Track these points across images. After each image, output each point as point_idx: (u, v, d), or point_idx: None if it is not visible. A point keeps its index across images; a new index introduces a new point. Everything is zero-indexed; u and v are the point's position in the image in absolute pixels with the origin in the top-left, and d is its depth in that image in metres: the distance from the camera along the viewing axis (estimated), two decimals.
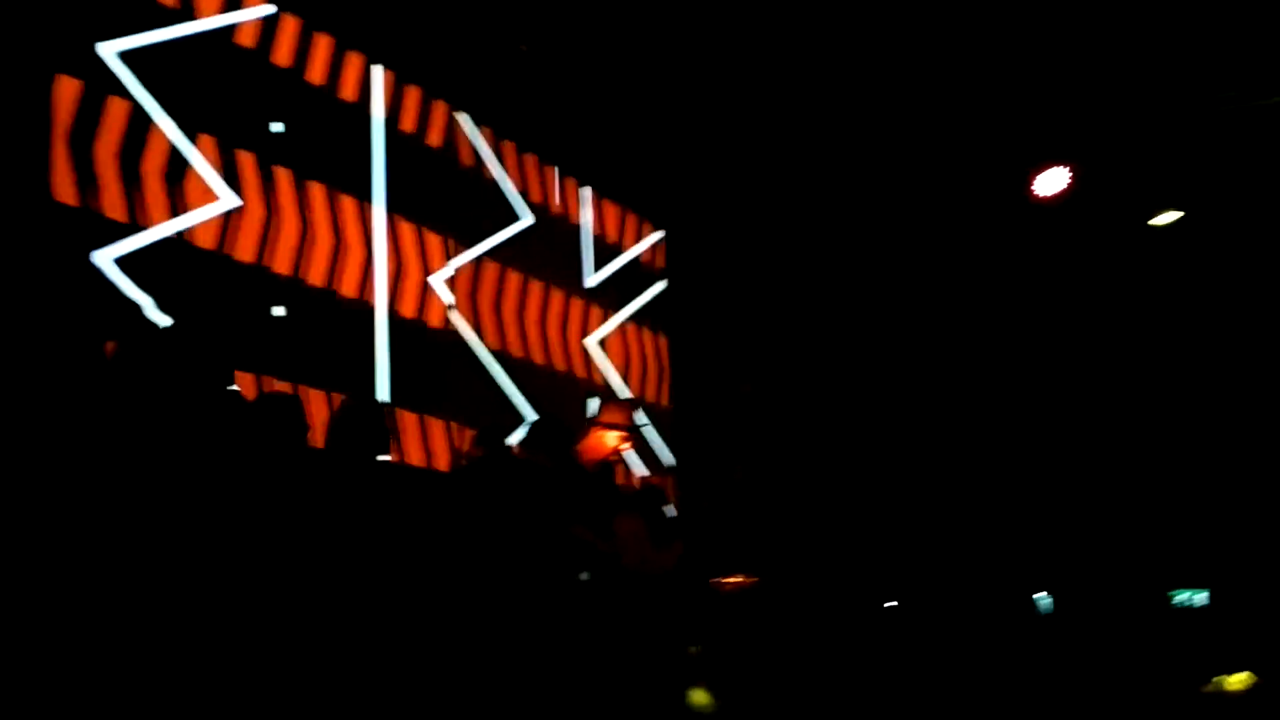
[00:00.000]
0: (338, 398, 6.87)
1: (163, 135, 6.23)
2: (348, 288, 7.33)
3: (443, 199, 8.23)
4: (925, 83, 9.80)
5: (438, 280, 8.03)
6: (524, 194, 9.03)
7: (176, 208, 6.28)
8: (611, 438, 6.38)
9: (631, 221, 10.40)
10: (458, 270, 8.24)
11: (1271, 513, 10.28)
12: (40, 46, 5.67)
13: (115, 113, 6.03)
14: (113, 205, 5.97)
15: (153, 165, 6.18)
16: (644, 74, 9.54)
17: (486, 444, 6.26)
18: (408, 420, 7.55)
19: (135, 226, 6.06)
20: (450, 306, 8.05)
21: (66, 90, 5.79)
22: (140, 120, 6.15)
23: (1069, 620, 10.09)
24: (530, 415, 8.57)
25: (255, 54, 6.91)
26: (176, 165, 6.31)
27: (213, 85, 6.59)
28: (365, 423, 5.23)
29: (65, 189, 5.72)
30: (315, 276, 7.09)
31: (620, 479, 6.75)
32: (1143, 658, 9.16)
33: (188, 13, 6.51)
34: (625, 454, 6.62)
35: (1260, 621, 9.51)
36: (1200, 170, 10.37)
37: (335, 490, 4.98)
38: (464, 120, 8.53)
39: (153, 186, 6.16)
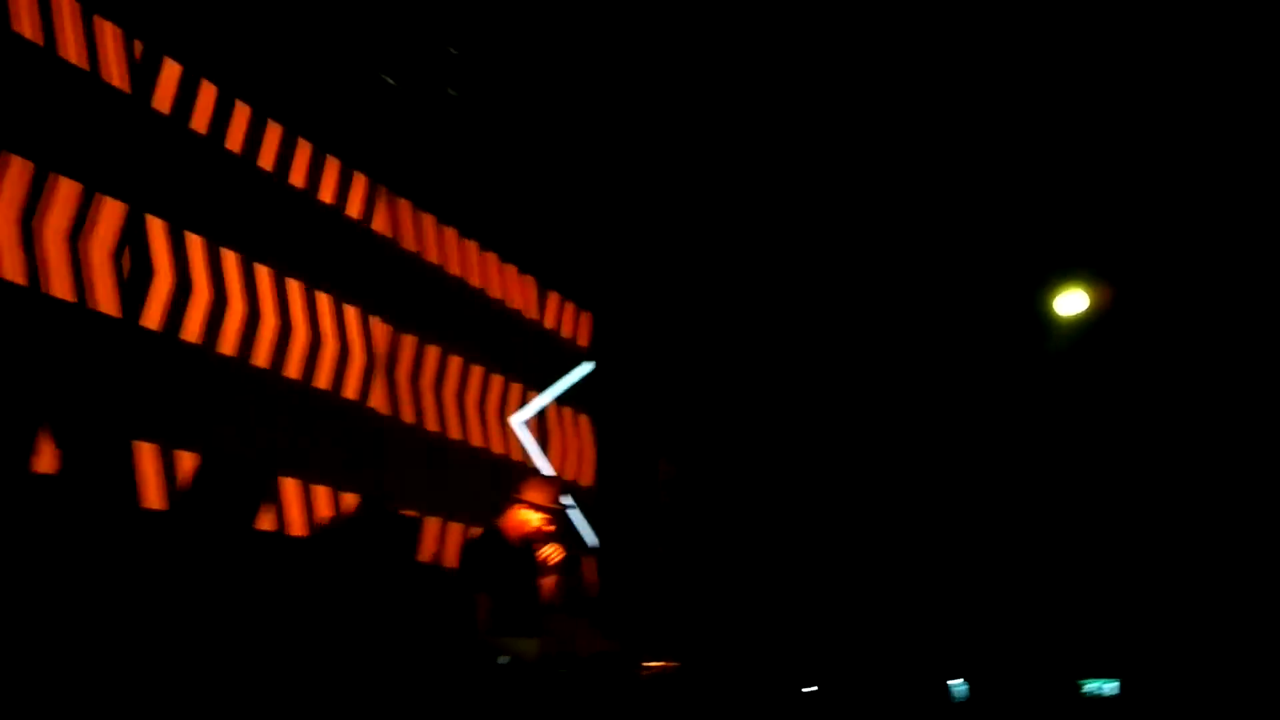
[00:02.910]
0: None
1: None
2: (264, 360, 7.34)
3: (372, 273, 8.28)
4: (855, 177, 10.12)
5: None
6: (460, 276, 9.10)
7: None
8: (535, 518, 6.39)
9: (558, 301, 10.49)
10: (388, 345, 8.27)
11: (1183, 603, 10.50)
12: None
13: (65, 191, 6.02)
14: (60, 285, 5.94)
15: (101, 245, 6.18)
16: (578, 156, 9.66)
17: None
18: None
19: (82, 306, 6.04)
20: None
21: (17, 169, 5.76)
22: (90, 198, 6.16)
23: (983, 708, 10.19)
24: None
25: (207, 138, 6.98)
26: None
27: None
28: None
29: (13, 268, 5.69)
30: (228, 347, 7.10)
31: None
32: None
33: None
34: (548, 533, 6.60)
35: (1169, 710, 9.68)
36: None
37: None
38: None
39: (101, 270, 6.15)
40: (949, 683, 10.42)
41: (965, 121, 9.59)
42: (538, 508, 6.40)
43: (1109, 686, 10.47)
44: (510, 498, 6.52)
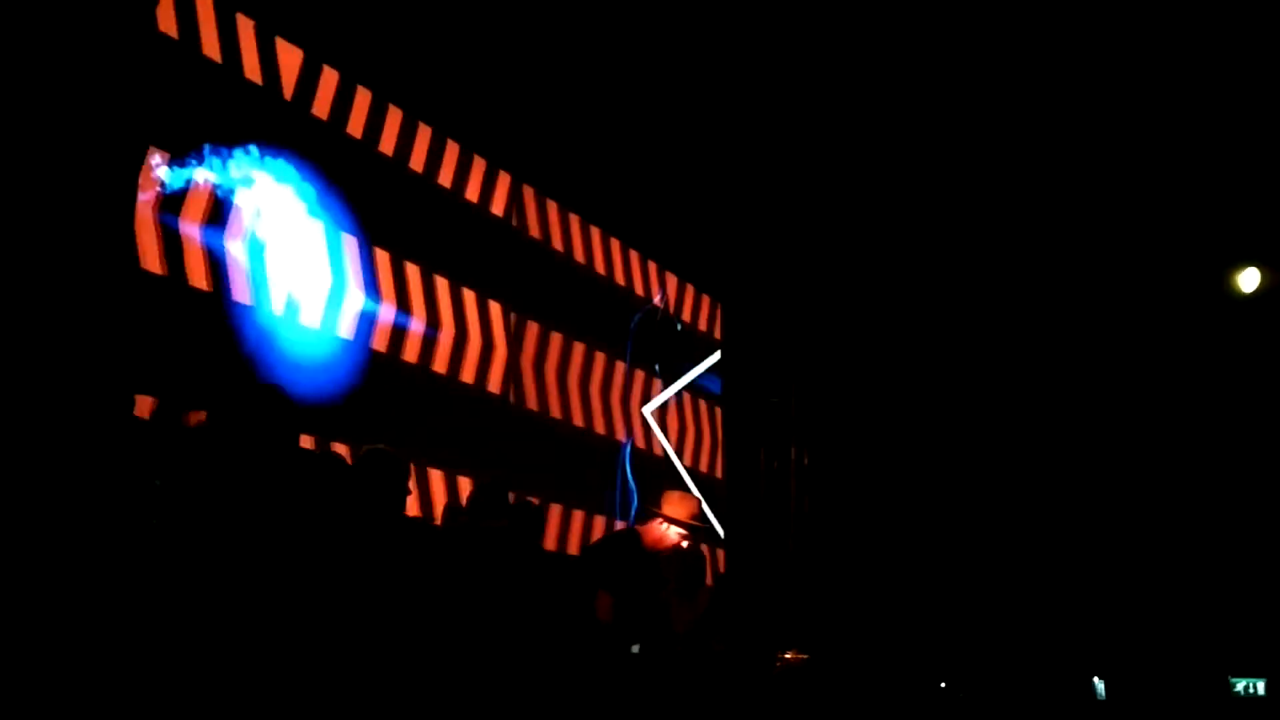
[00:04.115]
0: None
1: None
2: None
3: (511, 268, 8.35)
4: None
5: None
6: (601, 273, 9.11)
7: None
8: (673, 534, 6.32)
9: (689, 292, 10.43)
10: (512, 332, 8.31)
11: None
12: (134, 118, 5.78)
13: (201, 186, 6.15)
14: (196, 274, 6.07)
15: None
16: (705, 147, 9.60)
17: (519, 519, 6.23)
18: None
19: (219, 296, 6.16)
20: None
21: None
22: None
23: (1125, 708, 9.91)
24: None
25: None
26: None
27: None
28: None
29: (152, 258, 5.83)
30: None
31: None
32: None
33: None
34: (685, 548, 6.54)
35: None
36: None
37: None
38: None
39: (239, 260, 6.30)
40: (1091, 679, 10.15)
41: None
42: (677, 523, 6.33)
43: (1259, 685, 10.12)
44: (650, 511, 6.47)
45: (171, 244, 5.93)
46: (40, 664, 3.93)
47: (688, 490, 7.58)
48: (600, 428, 9.06)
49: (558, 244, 8.83)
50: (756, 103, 9.31)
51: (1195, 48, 8.68)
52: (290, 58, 6.78)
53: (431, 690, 4.80)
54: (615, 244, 9.50)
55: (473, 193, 8.11)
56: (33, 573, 4.06)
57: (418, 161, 7.69)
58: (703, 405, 10.41)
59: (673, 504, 6.35)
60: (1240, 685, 10.14)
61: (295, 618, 4.32)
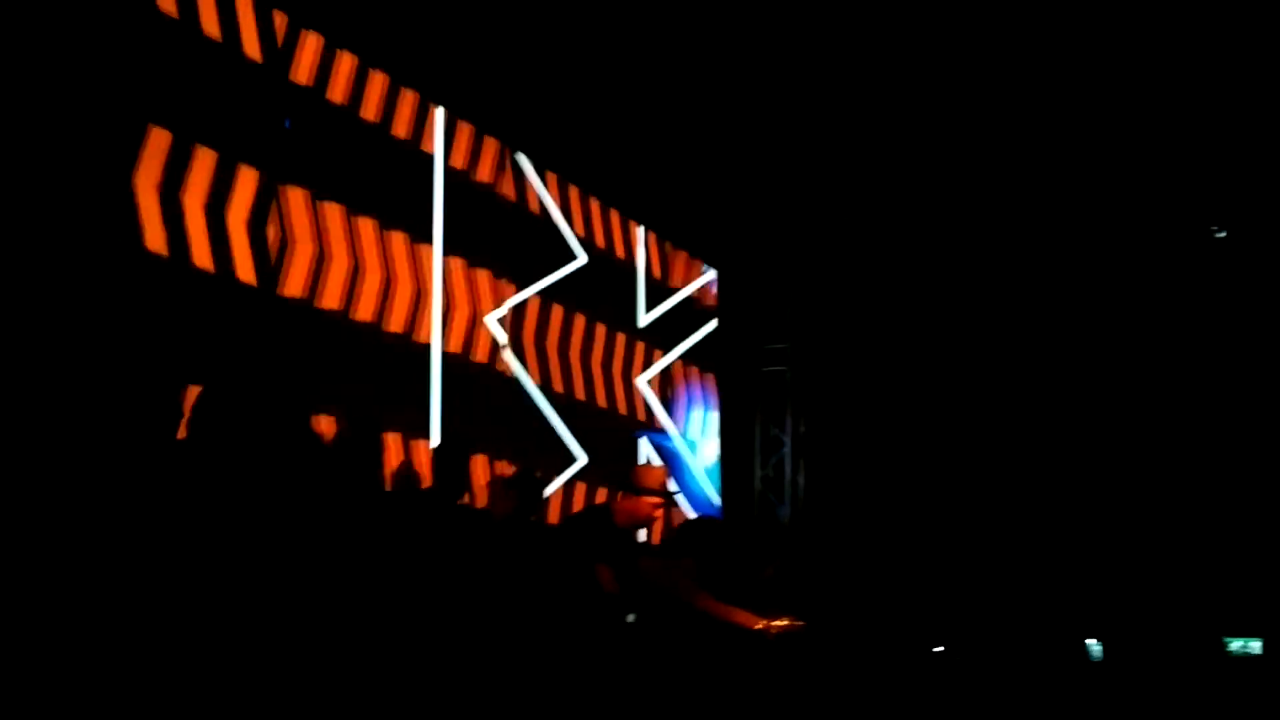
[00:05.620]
0: (393, 437, 6.98)
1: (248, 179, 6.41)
2: (397, 323, 7.42)
3: (499, 238, 8.31)
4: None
5: (492, 320, 8.11)
6: (581, 236, 9.10)
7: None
8: (645, 504, 6.38)
9: (685, 261, 10.44)
10: (511, 309, 8.31)
11: None
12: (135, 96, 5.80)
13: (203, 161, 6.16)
14: (201, 255, 6.10)
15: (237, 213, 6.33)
16: (704, 117, 9.58)
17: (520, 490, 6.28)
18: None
19: (224, 277, 6.18)
20: (503, 346, 8.11)
21: (157, 140, 5.92)
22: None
23: (1120, 668, 9.99)
24: (579, 454, 8.63)
25: (311, 91, 7.00)
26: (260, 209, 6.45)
27: (262, 117, 6.68)
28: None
29: (156, 238, 5.85)
30: (365, 312, 7.19)
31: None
32: (1195, 708, 9.06)
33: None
34: (659, 517, 6.61)
35: None
36: None
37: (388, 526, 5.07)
38: (522, 160, 8.60)
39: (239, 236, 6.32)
40: (1086, 641, 10.23)
41: None
42: (648, 492, 6.39)
43: (1254, 645, 10.20)
44: (624, 486, 6.53)
45: (174, 223, 5.95)
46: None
47: (655, 465, 7.69)
48: (582, 393, 9.08)
49: (534, 207, 8.81)
50: (754, 69, 9.29)
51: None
52: (278, 22, 6.76)
53: (434, 666, 4.88)
54: (596, 205, 9.48)
55: (489, 176, 8.14)
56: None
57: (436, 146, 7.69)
58: (697, 375, 10.46)
59: (640, 475, 6.42)
60: (1235, 645, 10.22)
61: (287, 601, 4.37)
